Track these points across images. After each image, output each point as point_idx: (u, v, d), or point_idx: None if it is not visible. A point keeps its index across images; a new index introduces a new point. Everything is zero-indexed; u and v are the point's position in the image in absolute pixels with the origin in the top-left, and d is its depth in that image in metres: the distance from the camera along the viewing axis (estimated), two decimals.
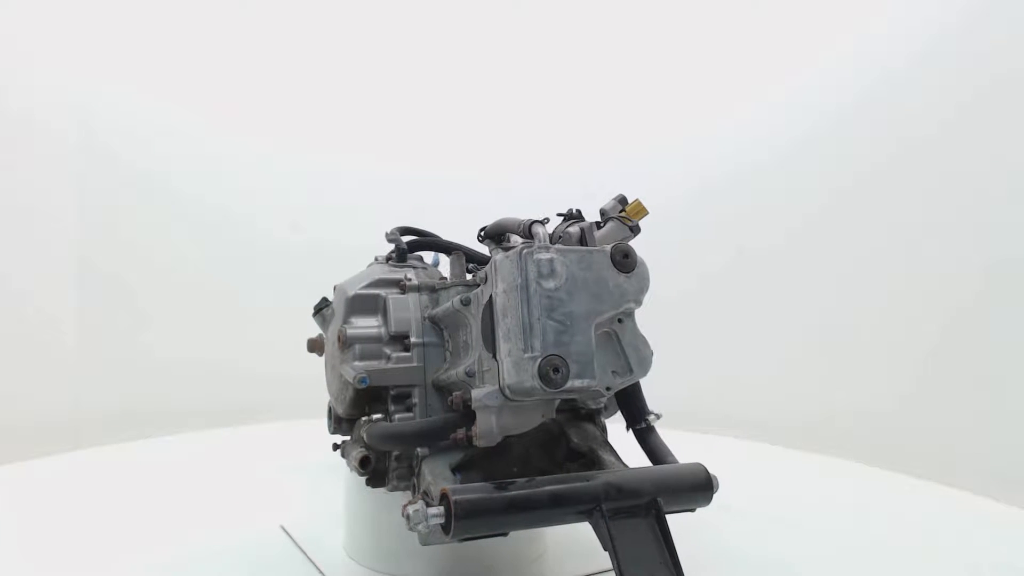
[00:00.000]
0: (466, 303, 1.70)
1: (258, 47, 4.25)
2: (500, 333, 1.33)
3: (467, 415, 1.48)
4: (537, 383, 1.21)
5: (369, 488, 1.82)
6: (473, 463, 1.71)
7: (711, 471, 1.52)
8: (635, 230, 1.84)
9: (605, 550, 1.29)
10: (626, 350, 1.34)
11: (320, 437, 2.09)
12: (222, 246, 4.16)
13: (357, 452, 1.82)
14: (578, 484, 1.38)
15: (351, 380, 1.74)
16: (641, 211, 1.80)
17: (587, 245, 1.65)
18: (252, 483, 2.88)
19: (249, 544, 2.11)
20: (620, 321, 1.35)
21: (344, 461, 1.97)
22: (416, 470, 1.69)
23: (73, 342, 3.58)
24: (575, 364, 1.24)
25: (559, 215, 1.93)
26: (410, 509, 1.31)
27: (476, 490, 1.33)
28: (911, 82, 3.21)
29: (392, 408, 1.79)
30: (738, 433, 3.82)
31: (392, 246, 2.09)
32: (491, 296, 1.41)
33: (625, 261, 1.35)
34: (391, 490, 1.79)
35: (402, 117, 4.53)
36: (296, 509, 2.42)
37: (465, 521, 1.27)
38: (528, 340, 1.25)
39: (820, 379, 3.56)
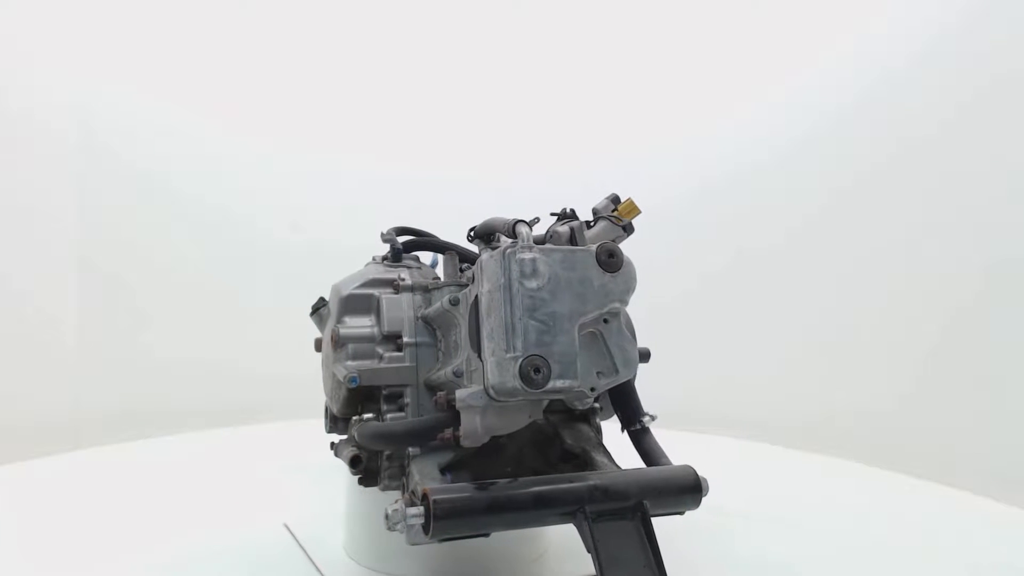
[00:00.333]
0: (454, 303, 1.70)
1: (258, 47, 4.26)
2: (484, 333, 1.32)
3: (457, 415, 1.47)
4: (518, 383, 1.21)
5: (369, 488, 1.82)
6: (465, 463, 1.71)
7: (702, 474, 1.50)
8: (628, 229, 1.82)
9: (588, 552, 1.29)
10: (612, 350, 1.33)
11: (321, 437, 2.09)
12: (222, 246, 4.16)
13: (348, 451, 1.82)
14: (561, 485, 1.37)
15: (342, 379, 1.75)
16: (633, 210, 1.78)
17: (577, 244, 1.65)
18: (252, 483, 2.88)
19: (249, 544, 2.11)
20: (606, 321, 1.33)
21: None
22: (406, 469, 1.68)
23: (73, 342, 3.58)
24: (557, 364, 1.23)
25: (552, 214, 1.92)
26: (389, 509, 1.31)
27: (457, 490, 1.33)
28: (911, 82, 3.20)
29: (384, 408, 1.78)
30: (738, 433, 3.81)
31: (389, 246, 2.09)
32: (476, 296, 1.41)
33: (611, 261, 1.33)
34: (383, 489, 1.79)
35: (402, 117, 4.53)
36: (297, 509, 2.41)
37: (444, 521, 1.26)
38: (510, 340, 1.24)
39: (820, 379, 3.55)
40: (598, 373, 1.32)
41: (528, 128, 4.57)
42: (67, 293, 3.58)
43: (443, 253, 2.03)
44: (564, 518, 1.35)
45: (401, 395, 1.80)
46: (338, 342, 1.84)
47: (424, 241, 2.23)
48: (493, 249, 1.43)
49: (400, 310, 1.86)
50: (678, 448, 3.45)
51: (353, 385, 1.74)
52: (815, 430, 3.48)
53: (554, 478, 1.42)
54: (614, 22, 4.49)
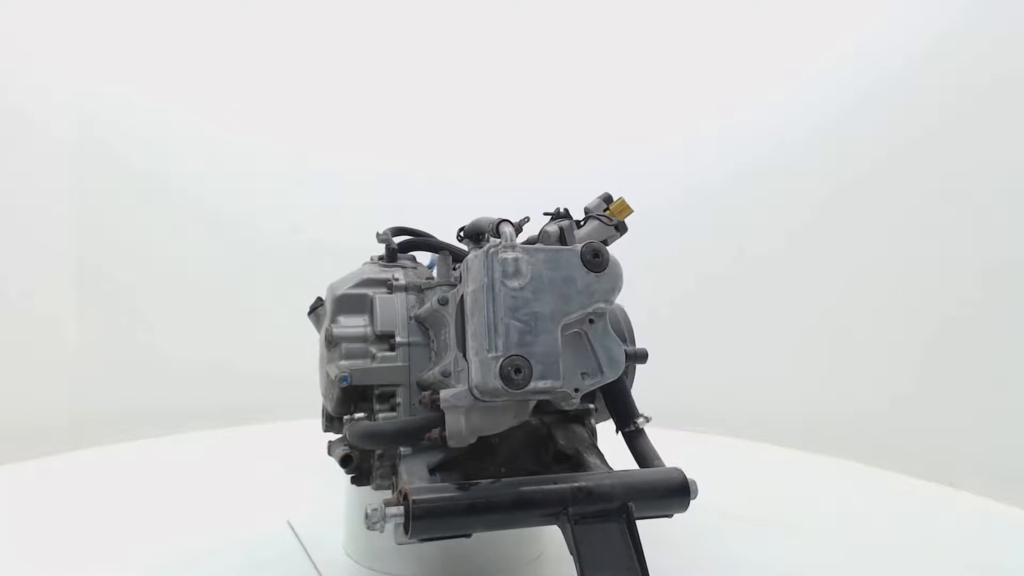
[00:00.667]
0: (443, 303, 1.69)
1: (258, 47, 4.26)
2: (469, 332, 1.32)
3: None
4: (499, 383, 1.20)
5: (368, 488, 1.82)
6: (457, 463, 1.70)
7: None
8: (621, 228, 1.81)
9: (571, 554, 1.28)
10: (596, 351, 1.31)
11: (321, 437, 2.09)
12: (222, 246, 4.17)
13: (340, 450, 1.82)
14: (544, 487, 1.36)
15: (333, 378, 1.75)
16: (625, 209, 1.77)
17: (567, 244, 1.64)
18: (253, 482, 2.88)
19: (248, 543, 2.12)
20: (591, 321, 1.32)
21: None
22: (395, 469, 1.68)
23: (73, 342, 3.59)
24: (539, 365, 1.23)
25: (545, 214, 1.91)
26: (369, 508, 1.30)
27: (437, 490, 1.32)
28: (911, 82, 3.19)
29: (377, 407, 1.78)
30: (738, 433, 3.80)
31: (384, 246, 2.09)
32: (462, 295, 1.40)
33: (595, 260, 1.32)
34: (376, 488, 1.78)
35: (402, 117, 4.52)
36: (298, 508, 2.41)
37: (423, 521, 1.26)
38: (492, 340, 1.23)
39: (820, 379, 3.53)
40: (583, 374, 1.31)
41: (528, 128, 4.56)
42: (67, 293, 3.58)
43: (438, 253, 2.03)
44: (547, 519, 1.34)
45: (393, 395, 1.80)
46: (331, 341, 1.83)
47: (421, 241, 2.22)
48: (480, 249, 1.42)
49: (393, 310, 1.86)
50: (678, 448, 3.44)
51: (344, 384, 1.74)
52: (815, 430, 3.46)
53: (537, 479, 1.41)
54: (614, 22, 4.48)
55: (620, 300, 2.19)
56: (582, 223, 1.78)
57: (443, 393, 1.37)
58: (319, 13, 4.42)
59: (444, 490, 1.32)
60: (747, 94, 4.03)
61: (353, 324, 1.87)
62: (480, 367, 1.25)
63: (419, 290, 1.90)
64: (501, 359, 1.21)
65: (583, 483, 1.37)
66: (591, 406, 1.94)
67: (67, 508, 2.53)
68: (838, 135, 3.53)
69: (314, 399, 2.03)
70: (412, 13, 4.56)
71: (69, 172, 3.58)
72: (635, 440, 1.72)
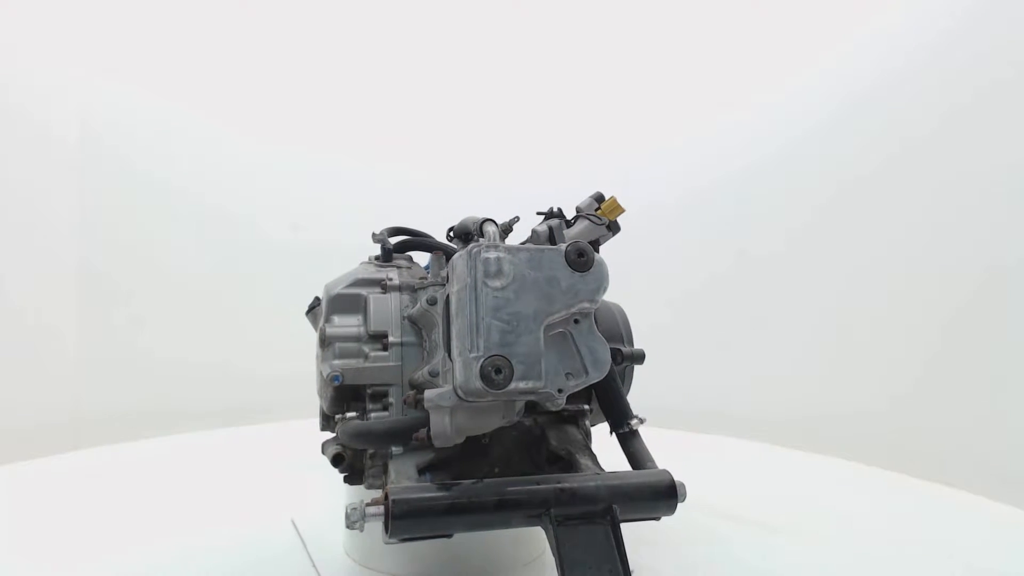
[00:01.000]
0: (432, 303, 1.69)
1: (258, 47, 4.25)
2: (454, 332, 1.31)
3: None
4: (479, 384, 1.19)
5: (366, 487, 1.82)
6: (450, 464, 1.70)
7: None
8: (613, 228, 1.80)
9: (553, 555, 1.27)
10: (581, 351, 1.30)
11: (321, 436, 2.09)
12: (222, 246, 4.17)
13: (331, 449, 1.82)
14: (527, 488, 1.35)
15: (325, 377, 1.75)
16: (616, 209, 1.75)
17: (556, 243, 1.63)
18: (253, 483, 2.87)
19: (248, 542, 2.12)
20: (576, 321, 1.31)
21: None
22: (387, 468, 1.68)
23: (73, 342, 3.60)
24: (521, 365, 1.21)
25: (539, 213, 1.91)
26: (348, 507, 1.30)
27: (417, 490, 1.31)
28: (911, 82, 3.18)
29: (369, 406, 1.78)
30: (739, 433, 3.79)
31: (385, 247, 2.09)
32: (447, 295, 1.39)
33: (580, 260, 1.31)
34: (368, 487, 1.78)
35: (402, 117, 4.52)
36: (297, 508, 2.41)
37: (402, 521, 1.25)
38: (473, 340, 1.22)
39: (820, 379, 3.52)
40: (567, 374, 1.29)
41: (528, 128, 4.55)
42: (67, 293, 3.60)
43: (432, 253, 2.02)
44: (530, 521, 1.33)
45: (386, 394, 1.79)
46: (324, 341, 1.84)
47: (417, 241, 2.22)
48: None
49: (387, 310, 1.86)
50: (679, 448, 3.45)
51: (336, 383, 1.74)
52: (815, 430, 3.45)
53: (520, 480, 1.40)
54: (614, 22, 4.47)
55: (620, 300, 2.20)
56: (571, 222, 1.77)
57: (427, 393, 1.37)
58: (319, 13, 4.43)
59: (425, 490, 1.32)
60: (747, 94, 4.01)
61: (347, 324, 1.87)
62: (463, 367, 1.24)
63: (413, 290, 1.89)
64: (482, 359, 1.20)
65: (566, 484, 1.35)
66: (585, 407, 1.94)
67: (67, 508, 2.53)
68: (838, 135, 3.51)
69: (314, 399, 2.03)
70: (412, 13, 4.56)
71: (70, 173, 3.59)
72: (629, 441, 1.70)
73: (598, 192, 1.81)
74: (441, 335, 1.56)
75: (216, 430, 3.91)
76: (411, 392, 1.56)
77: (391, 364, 1.79)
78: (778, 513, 2.44)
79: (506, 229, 1.84)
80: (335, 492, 2.12)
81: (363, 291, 1.89)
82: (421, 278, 1.96)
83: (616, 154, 4.39)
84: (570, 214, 1.88)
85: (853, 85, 3.44)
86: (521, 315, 1.24)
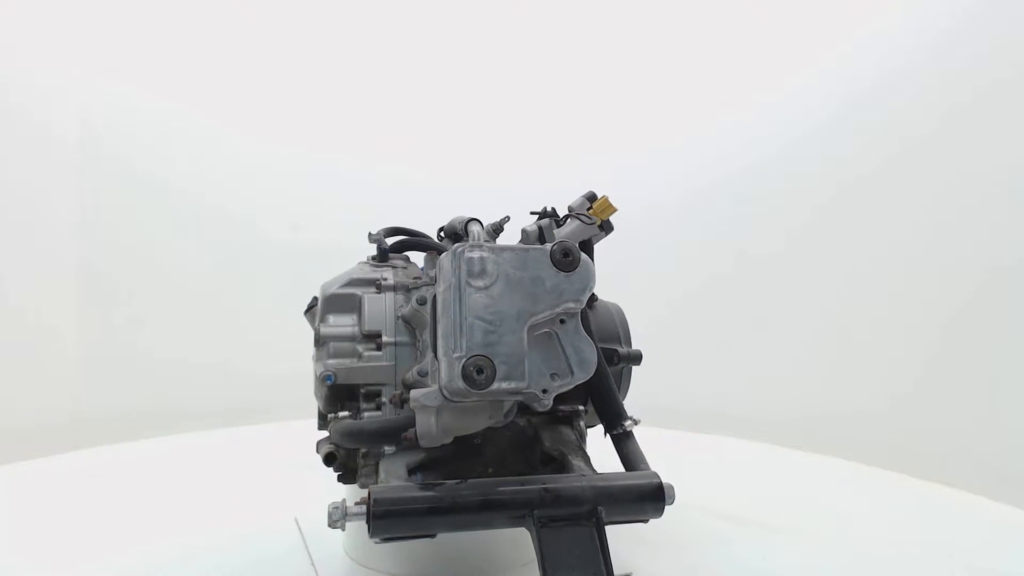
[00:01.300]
0: (422, 303, 1.69)
1: (258, 47, 4.26)
2: (439, 332, 1.31)
3: None
4: (461, 384, 1.19)
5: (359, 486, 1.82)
6: (443, 464, 1.69)
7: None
8: (606, 227, 1.78)
9: (536, 557, 1.26)
10: (567, 351, 1.29)
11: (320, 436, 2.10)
12: (222, 246, 4.18)
13: (324, 448, 1.82)
14: (510, 489, 1.34)
15: (318, 376, 1.75)
16: (608, 208, 1.74)
17: (545, 243, 1.62)
18: (252, 483, 2.87)
19: (247, 542, 2.12)
20: (562, 322, 1.30)
21: None
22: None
23: (73, 342, 3.61)
24: (503, 366, 1.21)
25: (532, 213, 1.90)
26: (330, 506, 1.30)
27: (400, 490, 1.31)
28: (911, 82, 3.17)
29: (363, 405, 1.78)
30: (739, 433, 3.78)
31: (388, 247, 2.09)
32: (434, 295, 1.39)
33: (565, 260, 1.30)
34: (362, 487, 1.78)
35: (402, 117, 4.52)
36: (298, 507, 2.41)
37: (383, 520, 1.25)
38: (456, 340, 1.22)
39: (820, 379, 3.51)
40: (552, 375, 1.28)
41: (528, 128, 4.55)
42: (67, 293, 3.61)
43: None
44: (514, 522, 1.32)
45: (379, 394, 1.79)
46: (319, 340, 1.84)
47: (414, 241, 2.23)
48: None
49: (381, 309, 1.86)
50: (679, 448, 3.44)
51: (328, 383, 1.75)
52: (815, 430, 3.44)
53: (504, 481, 1.39)
54: (614, 22, 4.46)
55: (620, 300, 2.19)
56: (562, 222, 1.76)
57: (413, 393, 1.36)
58: (319, 12, 4.43)
59: (407, 490, 1.31)
60: (747, 94, 4.00)
61: (341, 323, 1.87)
62: (447, 367, 1.24)
63: (407, 290, 1.90)
64: (464, 359, 1.20)
65: (551, 485, 1.35)
66: (580, 408, 1.93)
67: (67, 508, 2.54)
68: (838, 135, 3.50)
69: (314, 399, 2.04)
70: (412, 12, 4.56)
71: (70, 173, 3.60)
72: (622, 443, 1.69)
73: (590, 191, 1.80)
74: (430, 334, 1.55)
75: (216, 430, 3.91)
76: (396, 392, 1.55)
77: (384, 364, 1.79)
78: (778, 513, 2.43)
79: (497, 229, 1.84)
80: (335, 492, 2.11)
81: (358, 291, 1.90)
82: (415, 278, 1.96)
83: (616, 154, 4.39)
84: (564, 214, 1.87)
85: (853, 85, 3.43)
86: (504, 315, 1.24)
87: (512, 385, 1.22)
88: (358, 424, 1.68)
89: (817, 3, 3.67)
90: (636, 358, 1.97)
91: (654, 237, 4.21)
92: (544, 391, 1.27)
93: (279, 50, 4.33)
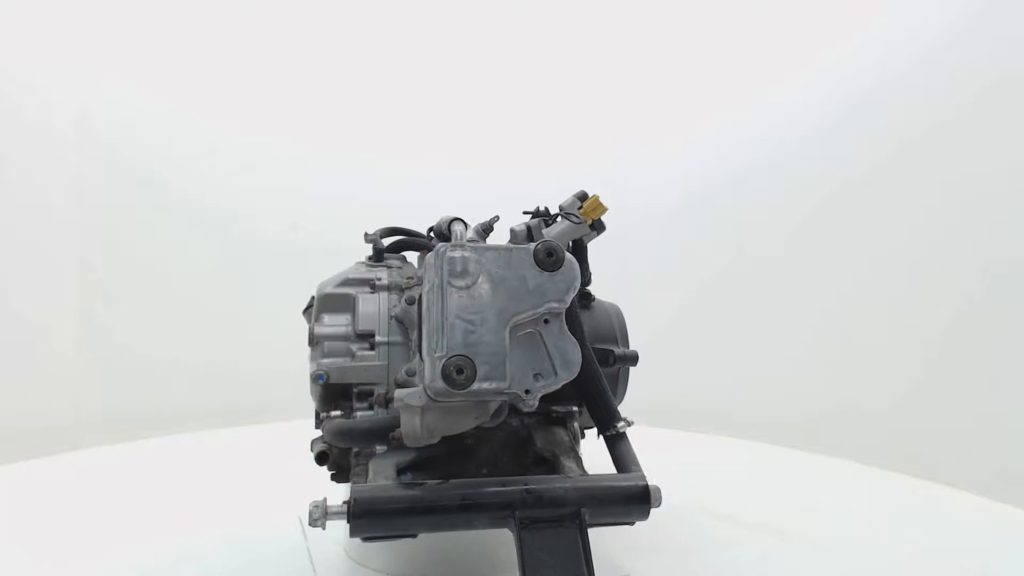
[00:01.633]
0: (411, 302, 1.69)
1: (258, 47, 4.23)
2: (424, 332, 1.30)
3: None
4: (442, 383, 1.18)
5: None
6: (434, 464, 1.69)
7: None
8: (597, 227, 1.77)
9: (517, 558, 1.26)
10: (551, 352, 1.28)
11: None
12: (221, 246, 4.16)
13: (316, 447, 1.83)
14: (492, 489, 1.34)
15: (310, 375, 1.76)
16: (598, 208, 1.72)
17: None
18: (252, 482, 2.87)
19: (246, 541, 2.12)
20: (546, 321, 1.29)
21: None
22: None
23: (73, 342, 3.61)
24: (484, 366, 1.20)
25: (525, 212, 1.89)
26: (311, 505, 1.30)
27: (381, 490, 1.31)
28: (911, 82, 3.15)
29: (356, 405, 1.78)
30: (739, 433, 3.75)
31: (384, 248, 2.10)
32: (420, 295, 1.39)
33: (549, 260, 1.29)
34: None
35: (402, 117, 4.49)
36: (301, 507, 2.40)
37: (363, 520, 1.25)
38: (438, 339, 1.21)
39: (820, 379, 3.49)
40: (535, 375, 1.28)
41: (528, 128, 4.52)
42: (67, 293, 3.60)
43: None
44: (495, 522, 1.32)
45: (371, 393, 1.79)
46: (313, 340, 1.84)
47: (411, 241, 2.23)
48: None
49: (374, 309, 1.86)
50: (679, 449, 3.41)
51: (321, 382, 1.75)
52: (816, 430, 3.42)
53: (486, 482, 1.39)
54: (614, 22, 4.44)
55: (619, 299, 2.18)
56: (551, 221, 1.75)
57: (397, 392, 1.36)
58: (319, 12, 4.42)
59: (388, 490, 1.31)
60: (747, 94, 3.98)
61: (336, 323, 1.87)
62: (430, 367, 1.24)
63: (401, 290, 1.90)
64: (444, 359, 1.19)
65: (533, 486, 1.34)
66: (574, 409, 1.92)
67: (67, 508, 2.53)
68: (838, 135, 3.48)
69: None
70: (412, 12, 4.54)
71: (69, 173, 3.60)
72: (615, 444, 1.68)
73: (581, 191, 1.79)
74: (417, 334, 1.55)
75: (216, 430, 3.91)
76: (381, 392, 1.55)
77: (377, 363, 1.79)
78: (779, 515, 2.40)
79: (487, 228, 1.83)
80: (335, 492, 2.12)
81: (352, 291, 1.90)
82: (408, 277, 1.96)
83: (616, 154, 4.38)
84: (555, 213, 1.86)
85: (854, 85, 3.41)
86: (486, 315, 1.23)
87: (493, 385, 1.21)
88: (348, 423, 1.68)
89: (817, 3, 3.65)
90: (632, 359, 1.95)
91: (654, 237, 4.21)
92: (527, 391, 1.27)
93: (279, 50, 4.32)
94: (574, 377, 1.30)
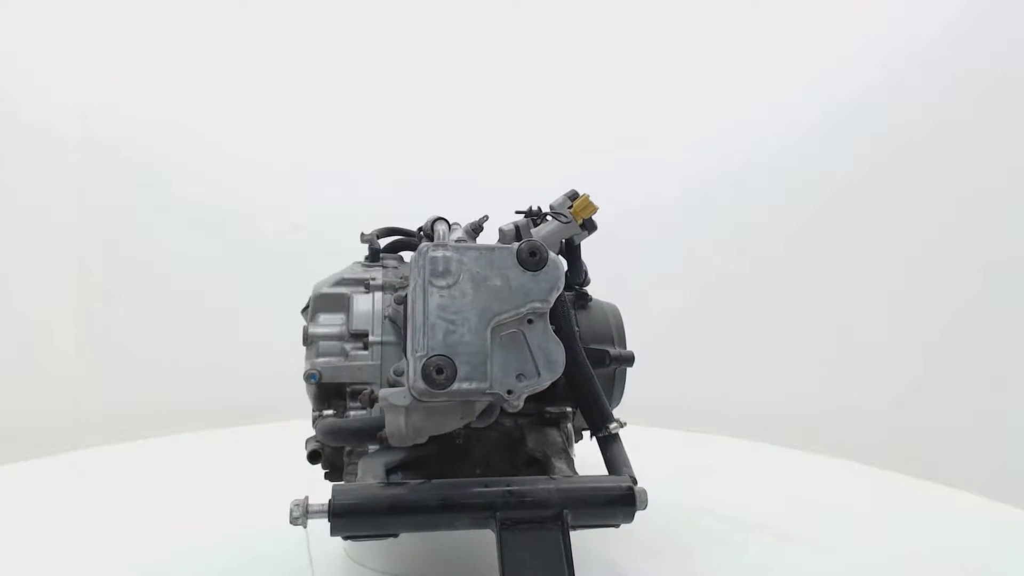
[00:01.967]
0: (400, 302, 1.69)
1: (258, 47, 4.26)
2: (409, 331, 1.30)
3: None
4: (422, 384, 1.18)
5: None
6: (425, 464, 1.69)
7: (639, 486, 1.43)
8: (588, 226, 1.76)
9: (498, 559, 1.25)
10: (534, 352, 1.28)
11: None
12: (221, 246, 4.17)
13: (309, 446, 1.83)
14: (473, 490, 1.33)
15: (303, 375, 1.76)
16: (589, 207, 1.71)
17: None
18: (252, 482, 2.86)
19: (246, 541, 2.12)
20: (530, 322, 1.29)
21: None
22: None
23: (74, 343, 3.62)
24: (465, 366, 1.20)
25: (517, 212, 1.89)
26: (292, 503, 1.30)
27: (362, 489, 1.31)
28: (911, 82, 3.15)
29: (349, 404, 1.78)
30: (739, 433, 3.74)
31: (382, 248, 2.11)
32: (406, 295, 1.39)
33: (532, 259, 1.29)
34: None
35: (402, 117, 4.50)
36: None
37: (342, 519, 1.25)
38: (419, 339, 1.21)
39: (820, 379, 3.49)
40: (518, 375, 1.27)
41: (528, 128, 4.51)
42: (67, 293, 3.62)
43: None
44: (477, 523, 1.31)
45: (373, 392, 1.79)
46: (307, 339, 1.85)
47: (407, 241, 2.23)
48: None
49: (368, 309, 1.87)
50: (679, 449, 3.40)
51: (312, 382, 1.76)
52: (816, 430, 3.41)
53: (468, 482, 1.39)
54: (614, 22, 4.43)
55: (620, 299, 2.17)
56: (541, 221, 1.74)
57: (382, 392, 1.36)
58: (319, 12, 4.42)
59: (369, 490, 1.31)
60: (747, 94, 3.97)
61: (331, 323, 1.88)
62: (413, 367, 1.23)
63: (395, 290, 1.90)
64: (424, 359, 1.19)
65: (515, 487, 1.34)
66: (568, 410, 1.92)
67: (67, 508, 2.54)
68: (839, 135, 3.48)
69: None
70: (412, 12, 4.54)
71: (69, 173, 3.62)
72: (608, 446, 1.67)
73: (572, 190, 1.78)
74: (404, 334, 1.55)
75: (216, 430, 3.91)
76: (366, 391, 1.55)
77: (370, 363, 1.79)
78: (779, 515, 2.40)
79: (476, 228, 1.83)
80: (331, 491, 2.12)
81: (347, 290, 1.91)
82: (402, 277, 1.96)
83: (616, 154, 4.37)
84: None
85: (854, 85, 3.41)
86: (467, 314, 1.23)
87: (473, 385, 1.21)
88: (338, 422, 1.68)
89: (817, 3, 3.65)
90: (628, 359, 1.94)
91: (654, 237, 4.21)
92: (509, 392, 1.26)
93: (279, 50, 4.32)
94: (557, 377, 1.30)
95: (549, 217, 1.75)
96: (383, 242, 2.17)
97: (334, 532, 1.26)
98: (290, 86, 4.35)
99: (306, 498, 1.30)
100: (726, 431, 3.77)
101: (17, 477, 2.97)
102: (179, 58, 4.02)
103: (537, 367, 1.28)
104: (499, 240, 1.75)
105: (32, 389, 3.40)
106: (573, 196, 1.76)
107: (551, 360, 1.29)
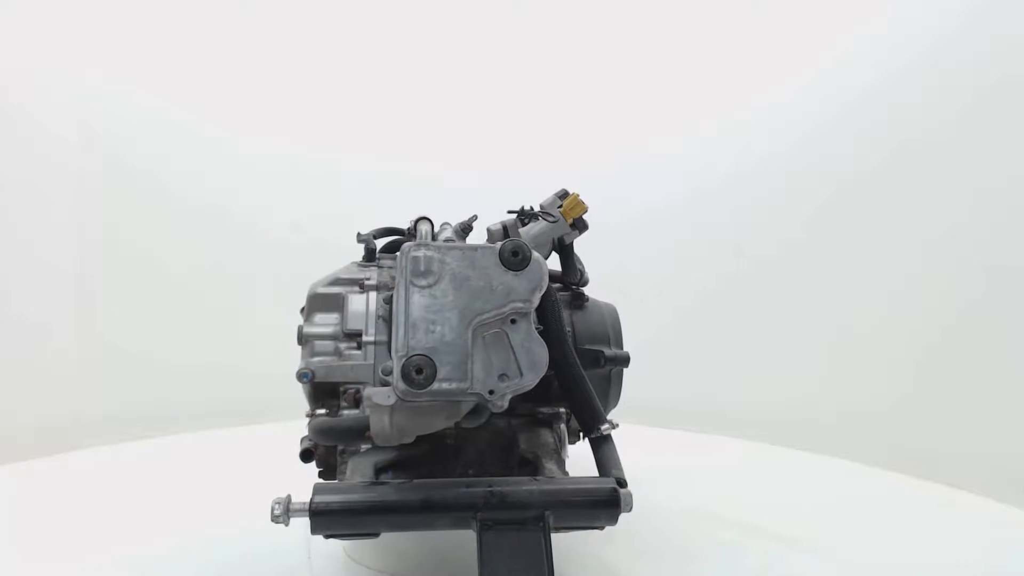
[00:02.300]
0: (388, 302, 1.69)
1: (258, 47, 4.27)
2: (392, 331, 1.30)
3: None
4: (401, 383, 1.18)
5: None
6: (416, 464, 1.69)
7: (624, 489, 1.42)
8: (579, 226, 1.76)
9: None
10: (517, 352, 1.27)
11: None
12: (222, 246, 4.18)
13: (302, 445, 1.84)
14: (454, 491, 1.33)
15: (296, 374, 1.77)
16: (578, 207, 1.71)
17: None
18: (252, 482, 2.85)
19: (245, 540, 2.12)
20: (513, 321, 1.29)
21: None
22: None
23: (73, 343, 3.64)
24: (445, 365, 1.20)
25: (510, 211, 1.89)
26: (273, 501, 1.30)
27: (343, 488, 1.31)
28: (911, 82, 3.13)
29: (342, 404, 1.79)
30: (739, 433, 3.73)
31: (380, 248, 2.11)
32: (391, 294, 1.39)
33: (514, 259, 1.28)
34: None
35: (402, 117, 4.50)
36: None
37: (323, 518, 1.25)
38: (400, 338, 1.21)
39: (821, 379, 3.47)
40: (501, 375, 1.27)
41: (528, 128, 4.51)
42: (66, 293, 3.63)
43: None
44: (458, 523, 1.31)
45: (357, 392, 1.80)
46: (301, 339, 1.86)
47: (404, 240, 2.23)
48: None
49: (362, 308, 1.87)
50: (679, 449, 3.39)
51: (305, 381, 1.76)
52: (816, 431, 3.40)
53: (450, 482, 1.38)
54: (614, 22, 4.42)
55: (617, 300, 2.16)
56: (528, 221, 1.74)
57: (366, 391, 1.36)
58: (319, 12, 4.42)
59: (350, 489, 1.31)
60: (747, 95, 3.96)
61: (325, 322, 1.89)
62: (396, 366, 1.23)
63: (388, 289, 1.90)
64: (404, 358, 1.19)
65: (497, 488, 1.33)
66: (561, 410, 1.92)
67: (67, 508, 2.55)
68: (839, 136, 3.46)
69: None
70: (412, 12, 4.54)
71: (69, 173, 3.63)
72: (599, 447, 1.66)
73: (562, 189, 1.78)
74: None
75: (216, 430, 3.92)
76: (351, 391, 1.55)
77: (363, 362, 1.79)
78: (779, 516, 2.39)
79: (466, 228, 1.83)
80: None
81: (342, 290, 1.92)
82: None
83: (616, 154, 4.37)
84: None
85: (854, 85, 3.39)
86: (447, 314, 1.23)
87: (454, 385, 1.21)
88: (329, 421, 1.68)
89: (817, 3, 3.63)
90: (623, 360, 1.93)
91: (653, 237, 4.21)
92: (491, 392, 1.26)
93: (279, 50, 4.32)
94: (539, 378, 1.30)
95: (539, 216, 1.74)
96: (380, 242, 2.17)
97: (315, 531, 1.27)
98: (290, 86, 4.35)
99: (287, 496, 1.30)
100: (726, 431, 3.76)
101: (17, 477, 2.98)
102: (179, 58, 4.03)
103: (520, 367, 1.28)
104: (487, 240, 1.75)
105: (32, 389, 3.40)
106: (563, 195, 1.75)
107: (534, 360, 1.29)
